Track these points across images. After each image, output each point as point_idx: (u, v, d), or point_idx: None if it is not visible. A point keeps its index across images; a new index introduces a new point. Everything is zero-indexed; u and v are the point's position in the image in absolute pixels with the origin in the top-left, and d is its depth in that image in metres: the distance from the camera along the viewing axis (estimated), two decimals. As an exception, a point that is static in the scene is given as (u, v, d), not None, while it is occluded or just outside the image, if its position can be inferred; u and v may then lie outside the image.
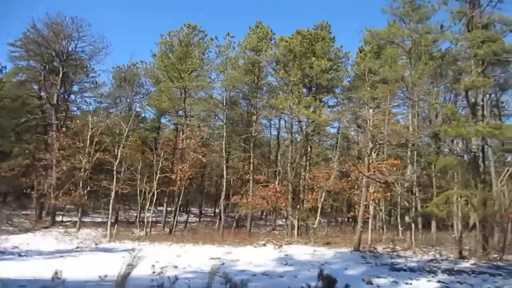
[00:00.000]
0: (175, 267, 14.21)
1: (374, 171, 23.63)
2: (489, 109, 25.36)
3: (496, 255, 18.68)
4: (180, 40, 34.78)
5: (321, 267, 11.65)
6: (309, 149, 34.03)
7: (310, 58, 31.04)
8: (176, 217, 31.43)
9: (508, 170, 19.26)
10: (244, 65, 33.01)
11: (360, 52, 32.54)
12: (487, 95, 25.04)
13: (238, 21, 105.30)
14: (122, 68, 37.67)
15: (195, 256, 17.81)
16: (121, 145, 29.28)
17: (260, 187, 29.51)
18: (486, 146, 21.31)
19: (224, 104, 33.04)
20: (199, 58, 34.86)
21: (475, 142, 21.37)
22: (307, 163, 33.51)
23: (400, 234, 28.40)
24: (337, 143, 33.09)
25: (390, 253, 21.09)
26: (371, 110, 25.36)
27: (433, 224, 26.91)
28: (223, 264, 14.86)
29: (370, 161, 23.71)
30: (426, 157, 27.18)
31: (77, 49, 34.83)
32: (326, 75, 31.59)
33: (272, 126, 39.88)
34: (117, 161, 28.36)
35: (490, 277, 13.93)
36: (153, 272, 11.52)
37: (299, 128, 33.18)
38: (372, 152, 24.52)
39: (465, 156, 22.84)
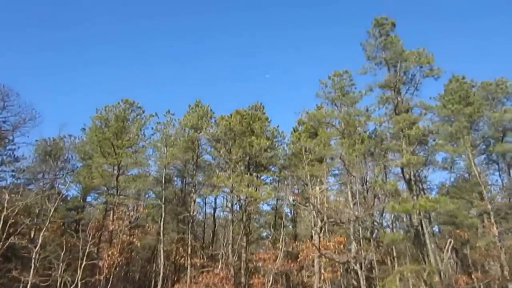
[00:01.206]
0: None
1: (324, 250, 22.90)
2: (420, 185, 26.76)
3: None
4: (117, 115, 33.35)
5: None
6: (248, 228, 32.59)
7: (250, 137, 31.23)
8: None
9: (450, 241, 19.77)
10: (184, 142, 32.19)
11: (294, 131, 33.48)
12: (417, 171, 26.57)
13: (175, 99, 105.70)
14: (47, 141, 34.51)
15: None
16: (43, 228, 25.52)
17: (203, 272, 26.86)
18: (424, 219, 21.94)
19: (163, 182, 31.15)
20: (136, 134, 33.64)
21: (415, 216, 21.98)
22: (247, 243, 31.92)
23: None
24: (281, 221, 32.08)
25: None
26: (317, 188, 26.25)
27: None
28: None
29: (319, 240, 23.03)
30: (365, 234, 27.24)
31: (-1, 119, 31.40)
32: (265, 153, 31.76)
33: (208, 204, 38.37)
34: (37, 246, 24.26)
35: None
36: None
37: (240, 207, 31.89)
38: (321, 231, 23.96)
39: (409, 230, 23.25)
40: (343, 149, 27.97)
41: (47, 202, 27.18)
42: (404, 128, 23.66)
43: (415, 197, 21.87)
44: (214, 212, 37.25)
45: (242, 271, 29.70)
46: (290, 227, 35.01)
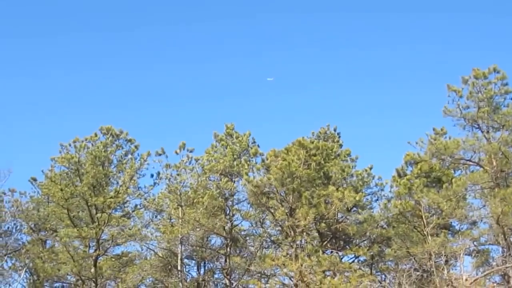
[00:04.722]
0: None
1: None
2: None
3: None
4: (95, 154, 28.80)
5: None
6: None
7: (326, 188, 26.36)
8: None
9: None
10: (210, 199, 27.47)
11: (399, 176, 28.64)
12: None
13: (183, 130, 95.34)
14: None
15: None
16: None
17: None
18: None
19: (179, 267, 27.05)
20: (126, 185, 28.99)
21: None
22: None
23: None
24: None
25: None
26: (463, 276, 23.26)
27: None
28: None
29: None
30: None
31: None
32: (354, 216, 27.41)
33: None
34: None
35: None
36: None
37: None
38: None
39: None
40: (497, 207, 23.33)
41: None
42: None
43: None
44: None
45: None
46: None
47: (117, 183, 29.34)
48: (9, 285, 31.67)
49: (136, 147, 30.03)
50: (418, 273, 25.77)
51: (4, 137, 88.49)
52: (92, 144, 29.18)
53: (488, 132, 25.25)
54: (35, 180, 31.36)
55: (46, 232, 31.10)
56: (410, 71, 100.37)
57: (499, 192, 23.64)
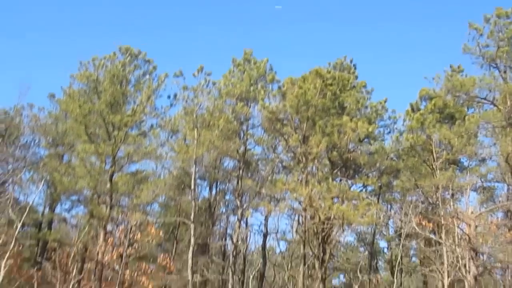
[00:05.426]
0: None
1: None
2: None
3: None
4: (113, 73, 29.72)
5: None
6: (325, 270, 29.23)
7: (340, 118, 27.64)
8: None
9: None
10: (226, 123, 28.81)
11: (413, 111, 30.11)
12: None
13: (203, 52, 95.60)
14: (-4, 115, 32.46)
15: None
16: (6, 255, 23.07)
17: None
18: None
19: (193, 186, 28.24)
20: (144, 105, 30.09)
21: None
22: None
23: None
24: (396, 262, 28.29)
25: None
26: (469, 209, 23.65)
27: None
28: None
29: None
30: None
31: None
32: (365, 146, 28.98)
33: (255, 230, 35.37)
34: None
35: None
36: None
37: (315, 233, 28.27)
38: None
39: None
40: (507, 146, 24.86)
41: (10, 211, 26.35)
42: None
43: None
44: (265, 241, 34.03)
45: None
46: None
47: (134, 102, 30.15)
48: (28, 196, 33.16)
49: (154, 68, 30.73)
50: (424, 205, 27.59)
51: (23, 53, 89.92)
52: (111, 63, 30.01)
53: (505, 72, 26.28)
54: (53, 96, 32.94)
55: (64, 147, 32.56)
56: (432, 6, 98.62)
57: (511, 132, 24.98)
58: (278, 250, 41.30)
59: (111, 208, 28.85)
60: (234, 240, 29.96)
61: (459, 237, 23.40)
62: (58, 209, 35.37)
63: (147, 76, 30.89)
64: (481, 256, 23.56)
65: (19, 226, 24.98)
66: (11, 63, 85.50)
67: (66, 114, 31.80)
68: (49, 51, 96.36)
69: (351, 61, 32.22)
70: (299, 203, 27.91)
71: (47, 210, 34.17)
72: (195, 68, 30.03)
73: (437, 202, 26.04)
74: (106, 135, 29.25)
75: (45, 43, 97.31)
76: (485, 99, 26.82)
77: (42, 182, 30.56)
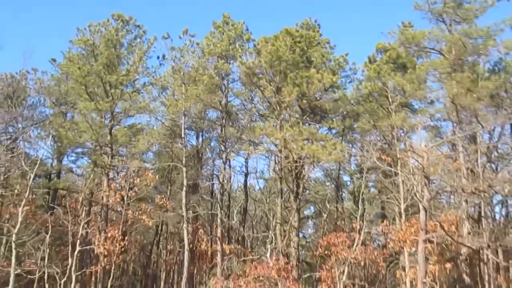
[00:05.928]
0: None
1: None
2: None
3: None
4: (108, 38, 32.02)
5: None
6: (299, 202, 32.40)
7: (307, 70, 29.89)
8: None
9: None
10: (208, 78, 30.87)
11: (371, 62, 32.34)
12: None
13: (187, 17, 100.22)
14: (4, 78, 33.81)
15: None
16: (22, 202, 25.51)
17: (245, 262, 27.10)
18: None
19: (182, 134, 30.78)
20: (136, 65, 32.51)
21: None
22: (299, 223, 32.39)
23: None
24: (358, 193, 31.78)
25: None
26: (423, 143, 24.77)
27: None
28: None
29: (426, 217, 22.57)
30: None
31: None
32: (330, 95, 30.99)
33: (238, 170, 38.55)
34: (17, 227, 24.65)
35: None
36: None
37: (290, 170, 31.27)
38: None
39: None
40: (453, 89, 26.92)
41: (23, 164, 26.91)
42: None
43: None
44: (246, 180, 37.71)
45: (294, 261, 29.60)
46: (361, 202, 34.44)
47: (128, 63, 32.49)
48: (37, 151, 34.26)
49: (144, 32, 33.09)
50: (381, 143, 30.71)
51: (26, 21, 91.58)
52: (105, 29, 32.14)
53: (451, 25, 28.34)
54: (54, 60, 34.11)
55: (67, 105, 34.47)
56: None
57: (456, 76, 26.96)
58: (257, 187, 44.36)
59: (112, 157, 31.42)
60: (220, 180, 32.74)
61: (414, 167, 25.03)
62: (65, 161, 37.34)
63: (138, 40, 33.15)
64: (432, 184, 25.36)
65: (32, 177, 26.60)
66: (14, 31, 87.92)
67: (67, 76, 33.40)
68: (49, 20, 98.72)
69: (315, 21, 33.29)
70: (275, 145, 30.24)
71: (55, 162, 35.97)
72: (181, 31, 31.83)
73: (393, 140, 28.99)
74: (104, 93, 31.35)
75: (45, 12, 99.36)
76: (433, 49, 28.81)
77: (50, 137, 32.33)
